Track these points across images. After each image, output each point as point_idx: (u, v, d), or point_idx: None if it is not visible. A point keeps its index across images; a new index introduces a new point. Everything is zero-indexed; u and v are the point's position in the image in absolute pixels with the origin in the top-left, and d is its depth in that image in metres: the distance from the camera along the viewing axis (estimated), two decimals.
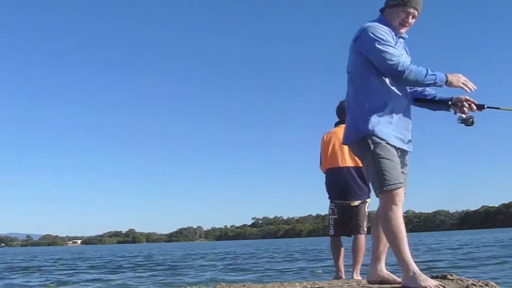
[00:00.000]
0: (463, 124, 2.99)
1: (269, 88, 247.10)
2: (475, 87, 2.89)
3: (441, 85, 2.90)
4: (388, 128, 2.95)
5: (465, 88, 2.90)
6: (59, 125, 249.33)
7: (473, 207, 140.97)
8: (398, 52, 2.93)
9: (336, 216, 4.93)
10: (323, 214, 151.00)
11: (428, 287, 2.76)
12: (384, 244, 3.14)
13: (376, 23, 3.02)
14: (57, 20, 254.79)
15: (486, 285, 3.01)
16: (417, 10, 3.02)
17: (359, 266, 4.81)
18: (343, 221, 4.90)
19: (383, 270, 3.13)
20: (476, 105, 2.99)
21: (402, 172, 3.00)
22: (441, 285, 2.81)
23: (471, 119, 2.97)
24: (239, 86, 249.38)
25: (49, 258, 27.36)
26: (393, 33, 3.03)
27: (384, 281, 3.08)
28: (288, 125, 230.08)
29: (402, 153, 3.07)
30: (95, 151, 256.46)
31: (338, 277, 4.82)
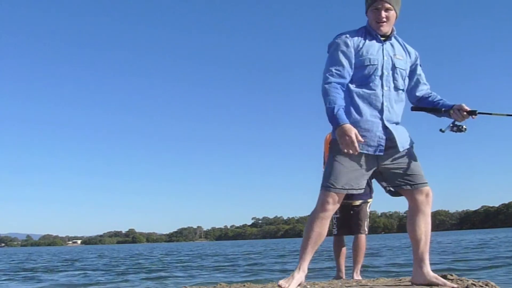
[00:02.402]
0: (453, 132, 2.96)
1: (271, 88, 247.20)
2: (355, 151, 2.77)
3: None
4: None
5: (344, 148, 2.80)
6: (59, 125, 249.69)
7: (473, 207, 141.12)
8: (337, 66, 2.88)
9: (338, 216, 4.95)
10: None
11: (278, 286, 2.77)
12: (425, 243, 2.97)
13: (349, 31, 2.99)
14: (58, 20, 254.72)
15: (486, 285, 3.01)
16: (385, 1, 2.88)
17: (359, 266, 4.83)
18: (346, 220, 4.93)
19: (430, 272, 2.94)
20: (467, 112, 2.92)
21: (393, 171, 2.98)
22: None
23: (461, 127, 2.95)
24: (239, 86, 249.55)
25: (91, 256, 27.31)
26: (362, 39, 2.94)
27: (431, 284, 2.89)
28: (289, 125, 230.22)
29: (388, 151, 2.92)
30: (95, 151, 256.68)
31: (338, 276, 4.83)
